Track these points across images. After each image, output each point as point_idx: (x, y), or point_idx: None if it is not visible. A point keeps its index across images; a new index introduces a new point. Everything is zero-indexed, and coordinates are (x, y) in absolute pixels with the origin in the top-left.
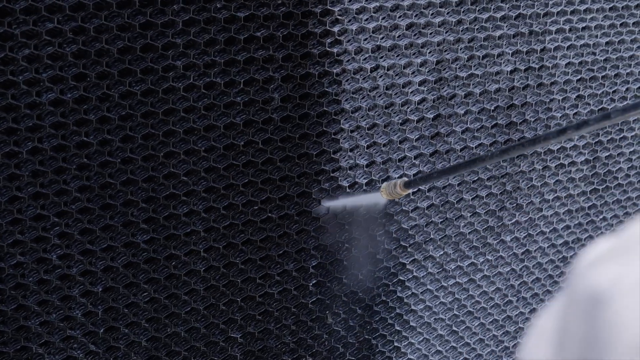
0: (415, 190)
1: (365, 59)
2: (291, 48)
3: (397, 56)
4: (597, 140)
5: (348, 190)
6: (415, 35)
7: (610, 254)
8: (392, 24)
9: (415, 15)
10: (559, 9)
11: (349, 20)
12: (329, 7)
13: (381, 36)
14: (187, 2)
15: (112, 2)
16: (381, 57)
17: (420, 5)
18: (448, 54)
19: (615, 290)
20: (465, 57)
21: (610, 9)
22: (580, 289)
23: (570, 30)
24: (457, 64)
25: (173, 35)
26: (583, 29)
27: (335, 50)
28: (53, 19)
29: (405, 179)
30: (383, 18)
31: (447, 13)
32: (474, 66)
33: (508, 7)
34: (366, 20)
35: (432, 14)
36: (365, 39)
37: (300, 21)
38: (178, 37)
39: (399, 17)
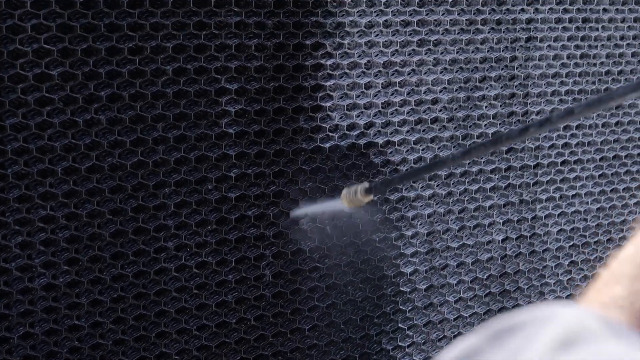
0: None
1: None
2: (282, 225)
3: (389, 230)
4: None
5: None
6: (405, 208)
7: None
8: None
9: (406, 189)
10: (548, 177)
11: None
12: (319, 185)
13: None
14: (179, 184)
15: (106, 210)
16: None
17: (410, 198)
18: (439, 225)
19: None
20: (457, 227)
21: (600, 175)
22: None
23: (560, 198)
24: (448, 235)
25: (165, 217)
26: (573, 196)
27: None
28: (46, 206)
29: (366, 184)
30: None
31: (437, 185)
32: (466, 236)
33: (497, 178)
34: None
35: (421, 187)
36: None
37: (290, 199)
38: (170, 219)
39: (389, 191)
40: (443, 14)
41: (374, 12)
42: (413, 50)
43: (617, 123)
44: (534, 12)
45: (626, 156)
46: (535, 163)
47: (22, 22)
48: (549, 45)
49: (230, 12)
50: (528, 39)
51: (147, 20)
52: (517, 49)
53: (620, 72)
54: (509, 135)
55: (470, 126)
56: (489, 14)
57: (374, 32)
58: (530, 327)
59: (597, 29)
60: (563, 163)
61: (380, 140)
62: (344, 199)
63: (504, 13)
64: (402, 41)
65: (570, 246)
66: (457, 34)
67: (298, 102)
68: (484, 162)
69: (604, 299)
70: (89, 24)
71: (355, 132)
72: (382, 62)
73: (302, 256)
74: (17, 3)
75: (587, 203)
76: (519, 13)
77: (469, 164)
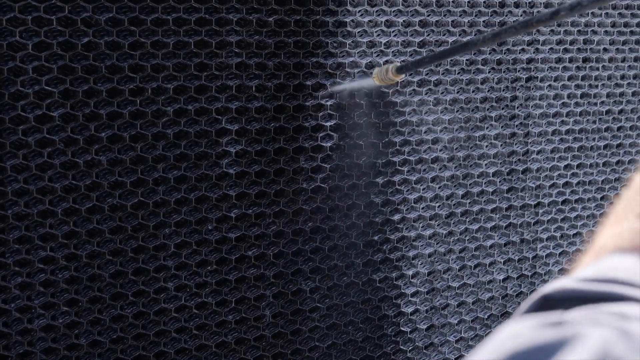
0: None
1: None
2: (282, 265)
3: (389, 269)
4: None
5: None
6: (406, 247)
7: None
8: (383, 238)
9: (406, 229)
10: (549, 217)
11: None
12: (319, 225)
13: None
14: (179, 225)
15: (106, 251)
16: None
17: (411, 219)
18: (440, 264)
19: None
20: (457, 267)
21: (602, 215)
22: None
23: (561, 237)
24: (449, 274)
25: (165, 258)
26: (574, 235)
27: (325, 266)
28: (46, 247)
29: (397, 63)
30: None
31: (438, 225)
32: (466, 276)
33: (498, 217)
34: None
35: (422, 227)
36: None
37: (291, 239)
38: (170, 259)
39: (390, 230)
40: None
41: (374, 52)
42: (414, 90)
43: (617, 162)
44: (534, 52)
45: None
46: (536, 202)
47: (24, 64)
48: (550, 85)
49: (232, 53)
50: (529, 79)
51: (148, 62)
52: (518, 89)
53: (621, 112)
54: (539, 18)
55: (471, 165)
56: (490, 54)
57: (372, 73)
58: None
59: (597, 69)
60: (564, 202)
61: (380, 180)
62: (376, 77)
63: (505, 53)
64: (403, 82)
65: None
66: (458, 74)
67: (299, 142)
68: (484, 201)
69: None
70: (91, 66)
71: (356, 173)
72: (382, 103)
73: (303, 296)
74: (18, 45)
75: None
76: (520, 53)
77: (470, 202)
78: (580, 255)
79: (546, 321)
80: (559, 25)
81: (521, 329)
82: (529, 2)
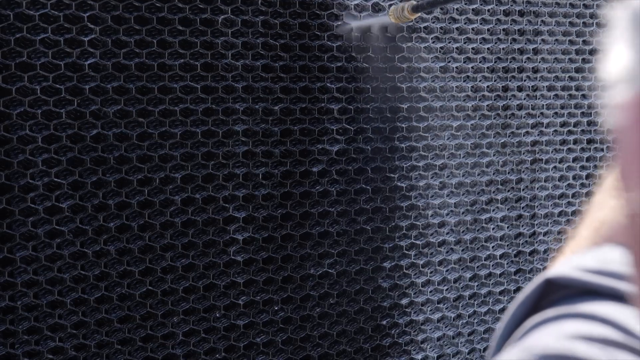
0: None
1: None
2: (290, 352)
3: (398, 354)
4: None
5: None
6: (415, 332)
7: None
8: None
9: (415, 313)
10: None
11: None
12: (327, 310)
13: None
14: (187, 313)
15: (115, 340)
16: None
17: (419, 303)
18: (449, 348)
19: None
20: (467, 350)
21: None
22: None
23: None
24: (458, 358)
25: (173, 347)
26: None
27: (334, 352)
28: (55, 337)
29: (413, 2)
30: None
31: (446, 308)
32: (476, 359)
33: (506, 300)
34: None
35: (430, 311)
36: None
37: (299, 325)
38: (178, 347)
39: (398, 314)
40: (448, 139)
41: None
42: (419, 174)
43: None
44: (538, 135)
45: None
46: None
47: (34, 156)
48: (555, 167)
49: (238, 141)
50: (533, 161)
51: (155, 152)
52: (523, 171)
53: None
54: None
55: (478, 248)
56: (494, 137)
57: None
58: None
59: (601, 150)
60: None
61: (388, 265)
62: (391, 15)
63: (509, 136)
64: (408, 166)
65: None
66: (463, 157)
67: (305, 229)
68: (492, 283)
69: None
70: (99, 157)
71: (364, 258)
72: (388, 188)
73: None
74: (28, 138)
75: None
76: (524, 136)
77: (477, 285)
78: (567, 242)
79: None
80: (562, 108)
81: None
82: None
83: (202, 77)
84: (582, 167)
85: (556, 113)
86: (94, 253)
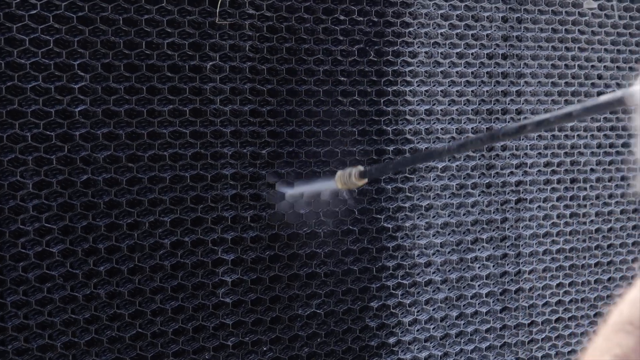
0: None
1: None
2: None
3: None
4: None
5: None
6: (402, 351)
7: None
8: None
9: (402, 351)
10: (543, 335)
11: None
12: (315, 350)
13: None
14: (177, 355)
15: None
16: None
17: (406, 342)
18: None
19: None
20: None
21: (595, 331)
22: None
23: (556, 355)
24: None
25: None
26: (569, 352)
27: None
28: None
29: (361, 168)
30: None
31: (433, 347)
32: None
33: (493, 337)
34: None
35: (417, 349)
36: None
37: None
38: None
39: (386, 353)
40: (434, 180)
41: None
42: (405, 215)
43: (609, 279)
44: (522, 175)
45: None
46: (529, 321)
47: (24, 202)
48: (539, 206)
49: (227, 185)
50: (518, 201)
51: (145, 197)
52: (508, 211)
53: (610, 230)
54: (505, 131)
55: (464, 287)
56: (479, 177)
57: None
58: None
59: (585, 189)
60: (557, 320)
61: (375, 304)
62: (338, 181)
63: (494, 176)
64: (394, 207)
65: None
66: (448, 198)
67: (293, 270)
68: (478, 322)
69: (615, 351)
70: (89, 202)
71: (351, 298)
72: (375, 229)
73: None
74: (19, 184)
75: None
76: (508, 176)
77: (464, 324)
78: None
79: None
80: (545, 148)
81: None
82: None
83: (190, 122)
84: (566, 206)
85: (540, 153)
86: (84, 296)
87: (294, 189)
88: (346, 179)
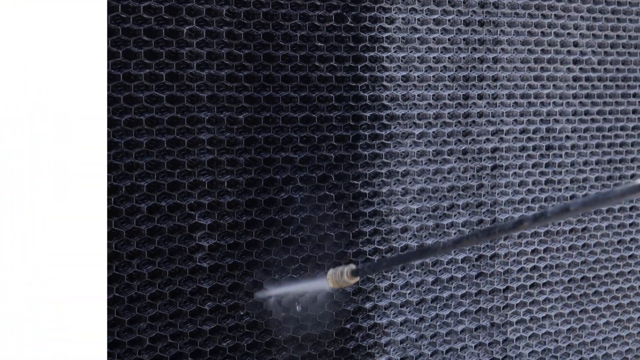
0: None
1: None
2: (256, 356)
3: (362, 357)
4: None
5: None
6: (378, 335)
7: None
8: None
9: (378, 316)
10: (518, 300)
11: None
12: (292, 334)
13: None
14: (153, 319)
15: None
16: None
17: (382, 307)
18: (412, 350)
19: None
20: (429, 352)
21: (569, 297)
22: None
23: (531, 320)
24: None
25: (140, 352)
26: (544, 318)
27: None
28: None
29: (353, 266)
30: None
31: (409, 312)
32: None
33: (468, 302)
34: None
35: (393, 314)
36: None
37: (265, 329)
38: (145, 353)
39: (362, 318)
40: (410, 146)
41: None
42: (382, 181)
43: (584, 245)
44: (498, 142)
45: (594, 277)
46: (505, 287)
47: None
48: (515, 173)
49: (204, 150)
50: (494, 167)
51: (122, 161)
52: (484, 177)
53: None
54: (502, 227)
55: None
56: (455, 144)
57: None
58: None
59: (560, 156)
60: (532, 286)
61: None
62: (330, 280)
63: (470, 143)
64: (371, 173)
65: None
66: (425, 164)
67: (270, 235)
68: (454, 287)
69: None
70: None
71: (328, 263)
72: (352, 194)
73: None
74: None
75: (557, 324)
76: (484, 143)
77: (440, 289)
78: None
79: None
80: (522, 115)
81: None
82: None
83: (167, 86)
84: (542, 173)
85: (515, 120)
86: None
87: (284, 287)
88: (338, 277)
